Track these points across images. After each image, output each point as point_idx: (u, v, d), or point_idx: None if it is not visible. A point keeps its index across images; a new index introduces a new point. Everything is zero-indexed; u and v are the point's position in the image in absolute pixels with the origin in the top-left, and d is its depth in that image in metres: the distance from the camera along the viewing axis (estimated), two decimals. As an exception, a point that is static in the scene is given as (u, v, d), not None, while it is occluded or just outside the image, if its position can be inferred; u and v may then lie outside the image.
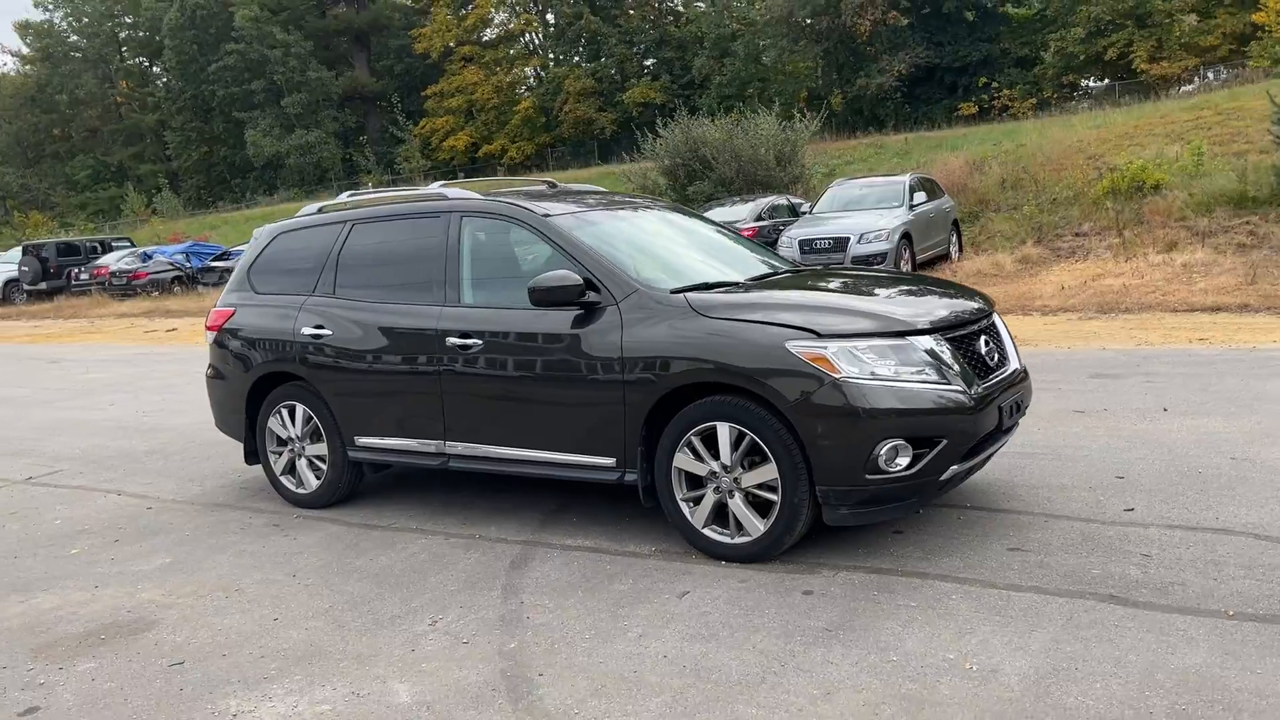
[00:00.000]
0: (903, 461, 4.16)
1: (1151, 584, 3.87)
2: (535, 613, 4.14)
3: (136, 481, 7.07)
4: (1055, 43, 43.58)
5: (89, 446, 8.46)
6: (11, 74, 74.35)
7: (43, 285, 30.54)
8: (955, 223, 17.43)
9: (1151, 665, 3.26)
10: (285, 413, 5.94)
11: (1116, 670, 3.24)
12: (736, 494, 4.41)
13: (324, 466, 5.84)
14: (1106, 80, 44.78)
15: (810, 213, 17.05)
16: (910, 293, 4.86)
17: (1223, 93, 24.61)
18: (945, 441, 4.22)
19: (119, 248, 31.92)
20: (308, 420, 5.84)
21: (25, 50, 73.08)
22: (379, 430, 5.54)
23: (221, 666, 3.89)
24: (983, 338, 4.68)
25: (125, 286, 27.65)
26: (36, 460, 8.03)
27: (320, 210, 6.17)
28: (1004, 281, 14.50)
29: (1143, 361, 8.37)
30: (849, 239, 14.55)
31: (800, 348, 4.20)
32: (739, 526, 4.45)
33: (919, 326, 4.36)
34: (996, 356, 4.70)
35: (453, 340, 5.14)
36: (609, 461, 4.77)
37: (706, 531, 4.53)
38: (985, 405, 4.36)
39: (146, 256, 28.96)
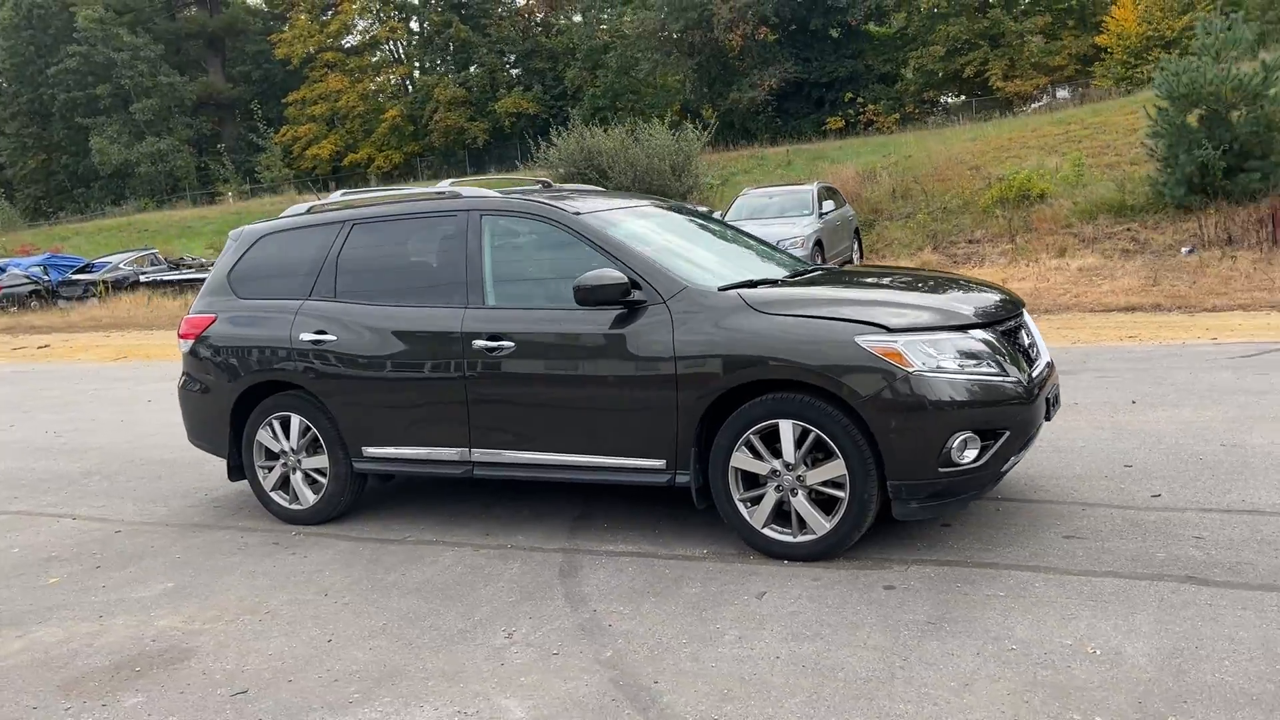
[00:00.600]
0: (971, 454, 4.21)
1: (1220, 564, 4.02)
2: (614, 620, 4.00)
3: (86, 504, 6.55)
4: (915, 60, 45.47)
5: (8, 470, 7.80)
6: None
7: None
8: (856, 230, 17.90)
9: (1265, 640, 3.37)
10: (277, 424, 5.60)
11: (1234, 648, 3.34)
12: (800, 492, 4.38)
13: (323, 480, 5.53)
14: (963, 97, 46.94)
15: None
16: (950, 288, 4.92)
17: (1086, 108, 26.07)
18: (1008, 432, 4.29)
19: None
20: (305, 431, 5.52)
21: None
22: (391, 439, 5.27)
23: (293, 693, 3.62)
24: (1021, 330, 4.79)
25: (-25, 301, 25.73)
26: (-44, 485, 7.36)
27: (310, 210, 5.85)
28: (912, 286, 14.94)
29: (1087, 358, 8.74)
30: (765, 246, 14.74)
31: (871, 342, 4.19)
32: (801, 525, 4.41)
33: (976, 320, 4.43)
34: (1035, 349, 4.81)
35: (480, 343, 4.94)
36: (658, 464, 4.66)
37: (766, 531, 4.48)
38: (1037, 396, 4.45)
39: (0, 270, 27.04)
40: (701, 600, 4.12)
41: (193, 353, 5.87)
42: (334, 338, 5.35)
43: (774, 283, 4.89)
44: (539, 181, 6.14)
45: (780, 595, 4.10)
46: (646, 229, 5.24)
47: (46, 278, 26.78)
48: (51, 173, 63.70)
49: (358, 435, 5.35)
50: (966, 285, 5.03)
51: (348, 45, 62.25)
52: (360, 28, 62.80)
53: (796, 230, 15.02)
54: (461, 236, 5.16)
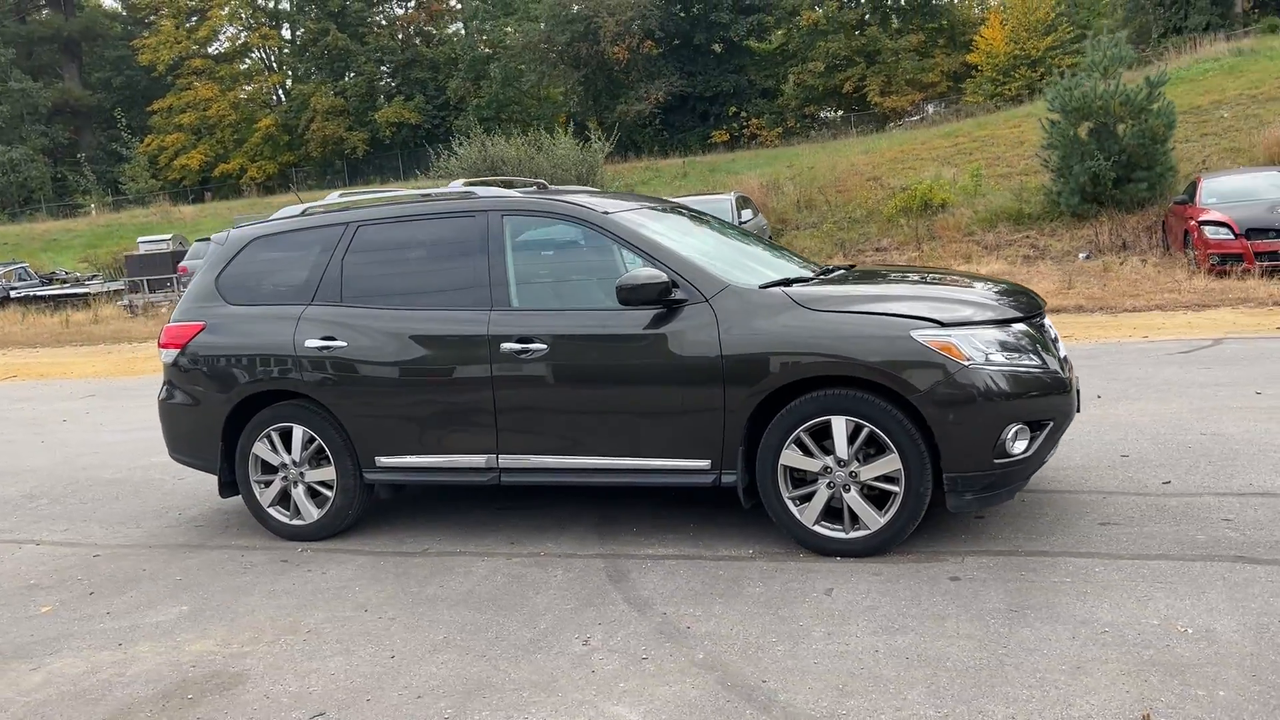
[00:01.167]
0: (1021, 444, 4.31)
1: (1260, 544, 4.21)
2: (689, 622, 3.94)
3: (45, 529, 6.11)
4: (795, 75, 46.62)
5: (-64, 495, 7.21)
6: None
7: None
8: (770, 239, 18.18)
9: (1339, 611, 3.55)
10: (276, 436, 5.32)
11: (1313, 619, 3.51)
12: (852, 488, 4.40)
13: (328, 493, 5.28)
14: (841, 111, 48.31)
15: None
16: (978, 284, 5.03)
17: (971, 121, 27.14)
18: (1052, 423, 4.42)
19: None
20: (309, 442, 5.26)
21: None
22: (407, 448, 5.08)
23: (377, 712, 3.44)
24: (1045, 325, 4.93)
25: None
26: (-117, 514, 6.76)
27: (305, 213, 5.60)
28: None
29: (1033, 358, 9.06)
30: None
31: (927, 336, 4.25)
32: (854, 521, 4.43)
33: (1016, 314, 4.54)
34: (1058, 343, 4.96)
35: (509, 346, 4.80)
36: (703, 464, 4.62)
37: (817, 528, 4.48)
38: (1070, 387, 4.59)
39: None
40: (770, 599, 4.09)
41: (177, 363, 5.53)
42: (343, 343, 5.12)
43: (806, 281, 4.91)
44: (534, 182, 6.02)
45: (848, 591, 4.10)
46: (669, 228, 5.19)
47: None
48: (-112, 183, 59.44)
49: (370, 445, 5.13)
50: (991, 281, 5.16)
51: (217, 52, 60.14)
52: (229, 34, 60.82)
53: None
54: (481, 237, 5.02)
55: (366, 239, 5.28)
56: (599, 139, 23.74)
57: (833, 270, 5.40)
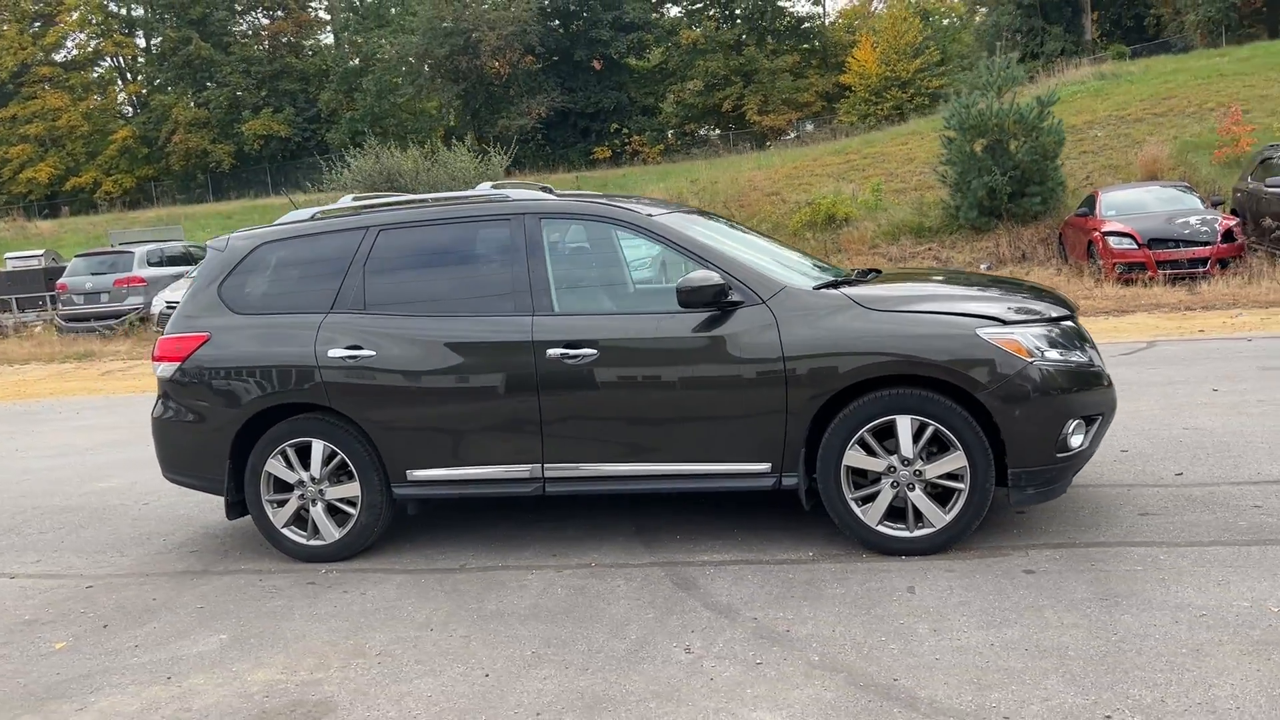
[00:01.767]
0: (1079, 438, 4.43)
1: (1301, 527, 4.44)
2: (786, 625, 3.89)
3: (14, 562, 5.63)
4: (675, 93, 47.26)
5: None
6: None
7: None
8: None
9: None
10: (292, 452, 5.03)
11: (1389, 594, 3.70)
12: (917, 486, 4.43)
13: (351, 511, 5.02)
14: (718, 130, 49.17)
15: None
16: (1017, 284, 5.15)
17: (859, 138, 27.97)
18: (1101, 417, 4.56)
19: None
20: (329, 458, 5.00)
21: None
22: (443, 460, 4.88)
23: (500, 733, 3.28)
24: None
25: None
26: None
27: (316, 216, 5.33)
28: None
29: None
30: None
31: (993, 334, 4.33)
32: (917, 519, 4.47)
33: (1064, 311, 4.67)
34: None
35: (555, 351, 4.67)
36: (762, 467, 4.58)
37: (881, 528, 4.50)
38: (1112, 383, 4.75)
39: None
40: (856, 600, 4.07)
41: (178, 378, 5.17)
42: (372, 353, 4.89)
43: (852, 283, 4.93)
44: (541, 187, 5.88)
45: (929, 588, 4.12)
46: (712, 231, 5.15)
47: None
48: None
49: (400, 458, 4.91)
50: (1023, 282, 5.29)
51: (65, 59, 56.99)
52: (79, 40, 57.75)
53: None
54: (519, 240, 4.87)
55: (391, 244, 5.06)
56: (498, 153, 23.48)
57: (867, 273, 5.44)
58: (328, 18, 57.49)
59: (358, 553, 5.09)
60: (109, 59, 58.23)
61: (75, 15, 55.87)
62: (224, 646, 4.16)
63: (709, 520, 5.18)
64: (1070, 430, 4.36)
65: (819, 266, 5.53)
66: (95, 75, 57.73)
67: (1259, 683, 3.15)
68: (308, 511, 5.08)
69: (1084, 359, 4.51)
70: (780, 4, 47.39)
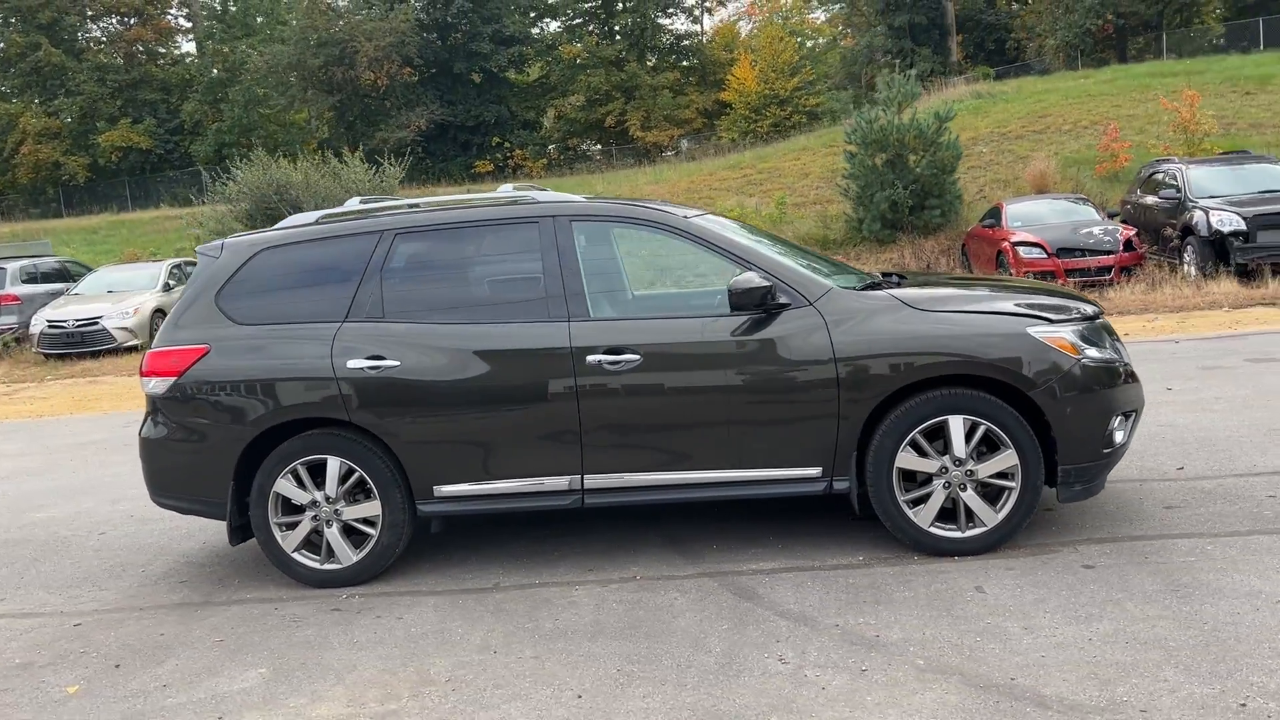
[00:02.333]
0: (1121, 434, 4.52)
1: (1324, 515, 4.63)
2: (873, 630, 3.82)
3: (-29, 600, 5.10)
4: (555, 108, 47.14)
5: None
6: None
7: None
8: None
9: None
10: (303, 471, 4.71)
11: None
12: (969, 486, 4.44)
13: (371, 531, 4.73)
14: (601, 145, 49.25)
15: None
16: (1040, 285, 5.23)
17: (752, 153, 28.40)
18: (1136, 412, 4.66)
19: None
20: (347, 475, 4.69)
21: None
22: (474, 474, 4.64)
23: (624, 757, 3.10)
24: (1097, 323, 5.20)
25: None
26: None
27: (320, 221, 5.02)
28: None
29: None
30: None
31: (1043, 333, 4.37)
32: (969, 519, 4.47)
33: (1095, 310, 4.77)
34: (1107, 340, 5.24)
35: (596, 357, 4.50)
36: (813, 471, 4.52)
37: (933, 530, 4.48)
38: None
39: None
40: (930, 601, 4.04)
41: (174, 394, 4.78)
42: (396, 363, 4.62)
43: (894, 285, 4.89)
44: (534, 188, 5.69)
45: (998, 587, 4.12)
46: (746, 234, 5.07)
47: None
48: None
49: (427, 473, 4.65)
50: (1039, 284, 5.38)
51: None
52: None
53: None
54: (549, 244, 4.69)
55: (409, 249, 4.80)
56: (392, 164, 22.91)
57: (889, 275, 5.42)
58: (189, 25, 55.18)
59: (375, 576, 4.79)
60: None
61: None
62: (267, 681, 3.84)
63: (739, 528, 5.08)
64: (1115, 425, 4.44)
65: (839, 270, 5.51)
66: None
67: (1369, 664, 3.24)
68: (320, 534, 4.76)
69: (1117, 356, 4.61)
70: (660, 21, 47.88)
